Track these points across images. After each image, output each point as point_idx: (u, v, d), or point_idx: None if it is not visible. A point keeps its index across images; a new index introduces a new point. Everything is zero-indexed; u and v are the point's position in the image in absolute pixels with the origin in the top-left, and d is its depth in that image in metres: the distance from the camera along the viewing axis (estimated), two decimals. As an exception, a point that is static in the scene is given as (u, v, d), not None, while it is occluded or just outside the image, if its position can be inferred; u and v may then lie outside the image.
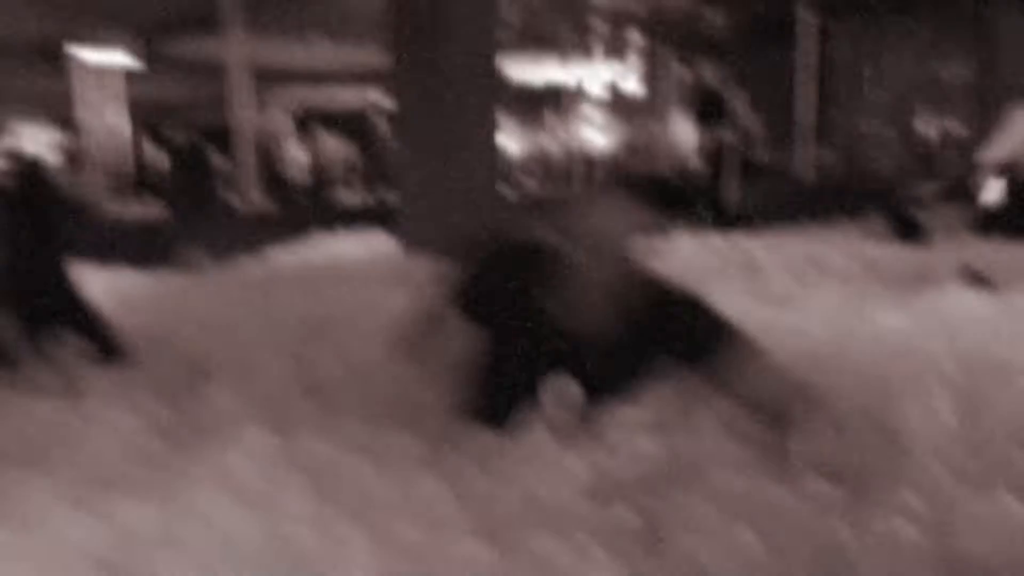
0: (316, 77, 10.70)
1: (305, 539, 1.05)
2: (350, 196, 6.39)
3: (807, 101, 6.59)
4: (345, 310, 2.71)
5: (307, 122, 9.86)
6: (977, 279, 3.75)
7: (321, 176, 7.72)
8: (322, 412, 1.50)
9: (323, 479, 1.18)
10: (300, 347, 2.13)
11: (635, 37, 8.65)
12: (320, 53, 8.99)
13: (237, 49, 4.99)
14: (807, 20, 6.54)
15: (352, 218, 5.45)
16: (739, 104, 5.96)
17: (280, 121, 6.57)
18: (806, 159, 6.70)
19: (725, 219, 5.07)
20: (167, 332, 2.59)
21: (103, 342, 2.07)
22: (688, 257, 3.88)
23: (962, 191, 4.39)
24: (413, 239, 4.66)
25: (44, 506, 1.08)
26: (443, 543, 1.05)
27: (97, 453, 1.21)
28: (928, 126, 8.05)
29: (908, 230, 3.94)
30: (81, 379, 1.71)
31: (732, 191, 5.78)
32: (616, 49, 9.54)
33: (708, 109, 6.07)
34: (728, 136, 5.91)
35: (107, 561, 1.00)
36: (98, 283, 3.76)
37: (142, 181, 9.05)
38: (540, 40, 8.52)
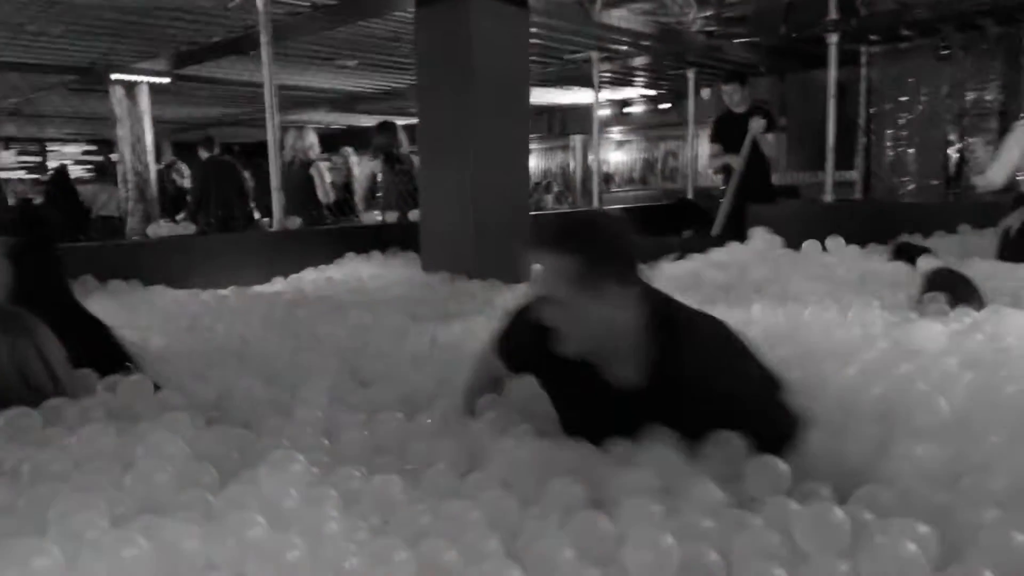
0: (344, 99, 10.88)
1: (350, 564, 1.08)
2: (377, 217, 6.45)
3: (838, 125, 6.58)
4: (380, 333, 2.75)
5: (335, 143, 10.00)
6: (909, 254, 3.76)
7: (348, 197, 7.81)
8: (365, 436, 1.54)
9: (367, 504, 1.21)
10: (337, 369, 2.16)
11: (658, 59, 8.69)
12: (347, 76, 9.14)
13: (268, 71, 5.10)
14: (838, 44, 6.55)
15: (378, 239, 5.51)
16: (759, 127, 5.96)
17: (308, 142, 6.66)
18: (835, 182, 6.69)
19: (737, 237, 5.09)
20: (200, 353, 2.65)
21: (123, 361, 2.13)
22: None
23: (994, 216, 4.33)
24: (437, 260, 4.72)
25: (100, 528, 1.12)
26: (483, 570, 1.08)
27: (146, 477, 1.24)
28: (959, 150, 8.01)
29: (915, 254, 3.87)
30: (123, 402, 1.76)
31: (748, 212, 5.79)
32: (637, 70, 9.60)
33: (730, 131, 6.08)
34: (749, 158, 5.92)
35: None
36: (129, 301, 3.87)
37: (175, 199, 9.21)
38: (563, 63, 8.61)
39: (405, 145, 6.37)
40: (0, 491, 1.27)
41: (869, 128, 8.43)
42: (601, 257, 1.41)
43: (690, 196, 9.10)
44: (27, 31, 6.17)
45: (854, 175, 8.48)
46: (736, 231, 5.43)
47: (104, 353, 2.06)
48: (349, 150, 8.60)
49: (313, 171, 6.60)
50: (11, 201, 12.39)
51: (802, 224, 5.19)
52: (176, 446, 1.33)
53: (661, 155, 13.49)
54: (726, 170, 6.12)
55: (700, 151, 9.54)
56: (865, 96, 8.30)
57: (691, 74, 8.89)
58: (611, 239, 1.46)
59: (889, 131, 8.36)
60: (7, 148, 15.34)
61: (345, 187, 8.28)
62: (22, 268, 2.11)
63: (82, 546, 1.06)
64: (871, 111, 8.39)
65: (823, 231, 4.58)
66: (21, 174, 15.66)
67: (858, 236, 4.67)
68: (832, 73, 6.56)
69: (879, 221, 5.46)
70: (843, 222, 5.11)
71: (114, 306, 3.43)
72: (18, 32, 6.22)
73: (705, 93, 10.16)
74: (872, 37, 7.76)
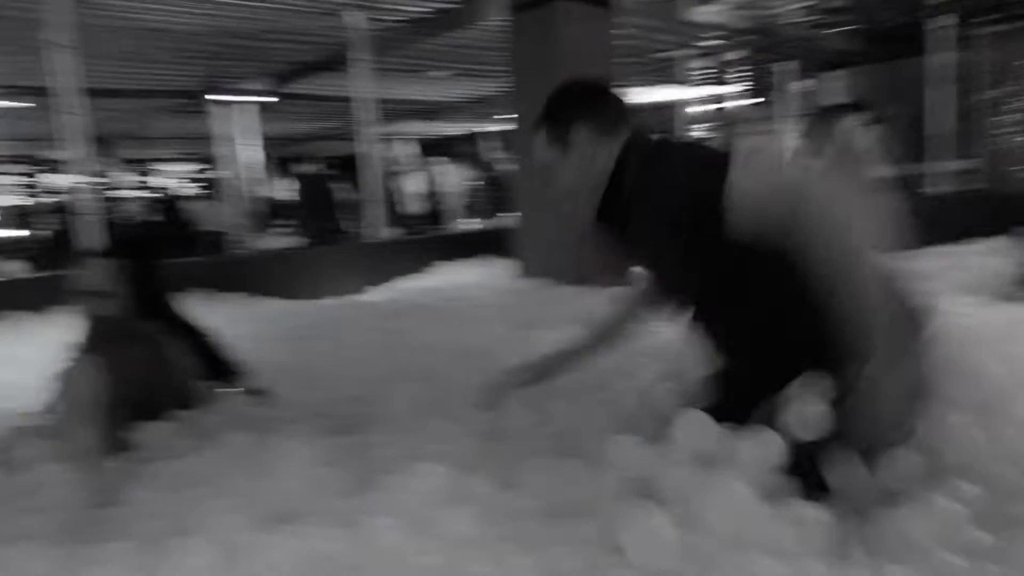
0: (434, 109, 11.10)
1: (477, 568, 1.13)
2: (469, 224, 6.57)
3: (942, 112, 6.27)
4: (482, 340, 2.80)
5: (428, 152, 10.24)
6: None
7: (441, 205, 7.98)
8: (482, 441, 1.59)
9: (493, 509, 1.26)
10: (446, 377, 2.23)
11: (749, 53, 8.51)
12: (438, 86, 9.33)
13: (363, 85, 5.28)
14: (940, 27, 6.24)
15: (469, 247, 5.60)
16: (851, 119, 5.75)
17: (403, 152, 6.86)
18: (942, 172, 6.38)
19: None
20: (310, 361, 2.77)
21: (232, 372, 2.25)
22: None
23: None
24: (534, 267, 4.77)
25: (244, 532, 1.21)
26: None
27: (282, 483, 1.33)
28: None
29: None
30: (251, 412, 1.88)
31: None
32: (728, 66, 9.41)
33: (819, 125, 5.90)
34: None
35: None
36: (236, 312, 4.08)
37: (275, 212, 9.64)
38: (650, 61, 8.53)
39: (494, 153, 6.46)
40: (143, 495, 1.39)
41: (980, 115, 7.99)
42: (565, 116, 1.57)
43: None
44: (141, 59, 6.60)
45: (965, 164, 8.06)
46: None
47: (214, 363, 2.18)
48: (437, 159, 8.76)
49: (397, 182, 6.77)
50: (125, 220, 13.23)
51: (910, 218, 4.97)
52: (306, 454, 1.42)
53: (754, 151, 13.14)
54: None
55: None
56: (974, 81, 7.87)
57: (784, 67, 8.67)
58: (572, 98, 1.61)
59: (1000, 118, 7.90)
60: (121, 168, 16.35)
61: (432, 196, 8.48)
62: (135, 285, 2.22)
63: (230, 548, 1.16)
64: (980, 97, 7.95)
65: (932, 224, 4.38)
66: (136, 193, 16.67)
67: (967, 228, 4.44)
68: (938, 58, 6.26)
69: (993, 211, 5.17)
70: (953, 213, 4.87)
71: (222, 317, 3.61)
72: (136, 61, 6.66)
73: (799, 86, 9.86)
74: (981, 18, 7.36)
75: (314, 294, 4.62)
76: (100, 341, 1.78)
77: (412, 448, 1.51)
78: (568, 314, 3.43)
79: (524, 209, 5.04)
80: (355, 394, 2.12)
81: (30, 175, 16.68)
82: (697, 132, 11.99)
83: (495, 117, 12.02)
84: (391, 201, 6.62)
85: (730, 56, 8.50)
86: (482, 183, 6.61)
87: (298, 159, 8.44)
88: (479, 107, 10.98)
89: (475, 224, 6.37)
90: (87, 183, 4.18)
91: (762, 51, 8.25)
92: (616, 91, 1.62)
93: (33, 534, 1.30)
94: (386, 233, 5.97)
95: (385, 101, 9.47)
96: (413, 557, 1.13)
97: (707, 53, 8.22)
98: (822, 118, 5.91)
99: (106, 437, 1.61)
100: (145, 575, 1.15)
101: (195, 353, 1.94)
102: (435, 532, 1.18)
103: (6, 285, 3.96)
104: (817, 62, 7.34)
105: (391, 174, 6.74)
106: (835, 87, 5.87)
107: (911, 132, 9.00)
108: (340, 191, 8.14)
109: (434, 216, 8.18)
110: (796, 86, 9.49)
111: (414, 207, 7.12)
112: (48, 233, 11.49)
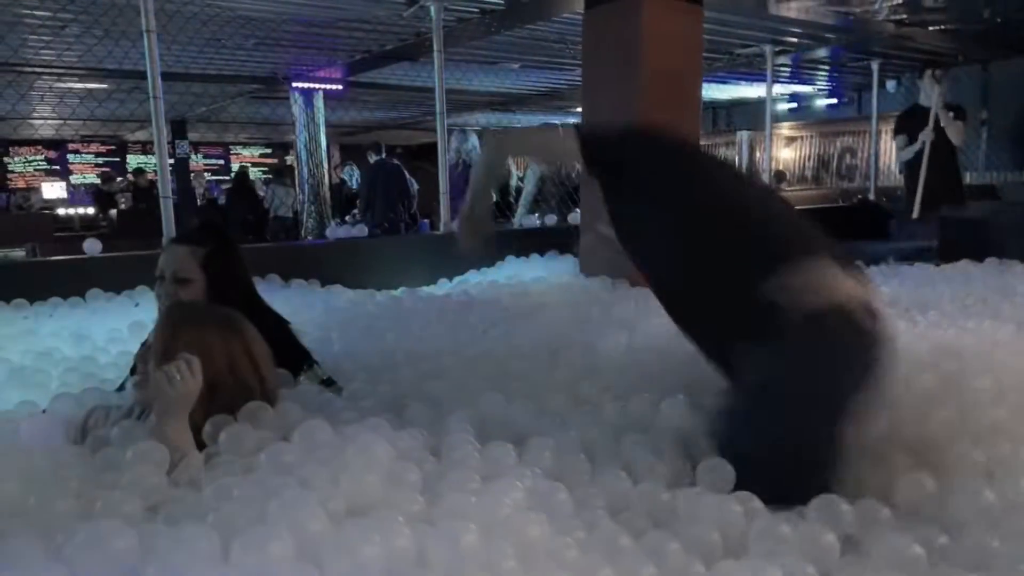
0: (504, 100, 11.14)
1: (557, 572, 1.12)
2: (536, 221, 6.54)
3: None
4: (555, 337, 2.79)
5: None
6: None
7: (505, 199, 7.99)
8: (562, 440, 1.58)
9: (573, 515, 1.25)
10: (521, 375, 2.22)
11: (839, 51, 8.25)
12: (509, 77, 9.36)
13: (439, 76, 5.32)
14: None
15: (539, 242, 5.58)
16: (950, 122, 5.52)
17: (472, 144, 6.88)
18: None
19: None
20: (383, 352, 2.79)
21: (307, 360, 2.27)
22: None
23: None
24: (596, 264, 4.71)
25: (322, 524, 1.22)
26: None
27: (360, 477, 1.34)
28: None
29: None
30: (327, 402, 1.91)
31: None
32: (814, 63, 9.16)
33: (916, 125, 5.70)
34: (934, 148, 5.53)
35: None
36: (309, 299, 4.15)
37: (346, 201, 9.82)
38: (733, 56, 8.37)
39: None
40: (221, 482, 1.41)
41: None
42: None
43: (871, 196, 8.57)
44: (225, 45, 6.80)
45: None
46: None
47: (289, 351, 2.20)
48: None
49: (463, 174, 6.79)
50: (199, 202, 13.70)
51: (998, 230, 4.75)
52: (383, 449, 1.43)
53: (837, 152, 12.78)
54: (910, 168, 5.75)
55: (885, 147, 8.96)
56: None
57: (875, 65, 8.38)
58: None
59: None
60: (196, 152, 16.94)
61: (503, 190, 8.46)
62: (216, 272, 2.26)
63: (308, 539, 1.17)
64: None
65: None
66: (211, 176, 17.24)
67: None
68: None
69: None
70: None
71: (295, 304, 3.68)
72: (216, 47, 6.87)
73: (891, 85, 9.53)
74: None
75: (387, 284, 4.66)
76: (180, 327, 1.81)
77: (490, 448, 1.50)
78: (632, 313, 3.40)
79: (589, 205, 4.98)
80: (428, 388, 2.12)
81: (108, 155, 17.45)
82: (779, 131, 11.68)
83: (567, 110, 12.00)
84: (461, 193, 6.65)
85: (819, 53, 8.26)
86: (555, 179, 6.58)
87: (369, 148, 8.56)
88: (550, 100, 10.97)
89: (544, 219, 6.32)
90: (164, 164, 4.30)
91: (851, 47, 8.01)
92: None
93: (113, 512, 1.34)
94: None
95: (457, 92, 9.58)
96: (492, 560, 1.12)
97: (792, 50, 8.02)
98: (915, 118, 5.73)
99: (191, 428, 1.64)
100: (220, 560, 1.17)
101: (272, 341, 1.95)
102: (514, 537, 1.17)
103: (83, 263, 4.11)
104: (912, 61, 7.06)
105: (465, 165, 6.75)
106: (930, 88, 5.63)
107: (1013, 138, 8.61)
108: (408, 181, 8.22)
109: (500, 210, 8.16)
110: (888, 85, 9.18)
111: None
112: (125, 210, 12.00)
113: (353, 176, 11.44)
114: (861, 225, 7.23)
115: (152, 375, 1.65)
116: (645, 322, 2.96)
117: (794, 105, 12.06)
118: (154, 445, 1.50)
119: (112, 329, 3.19)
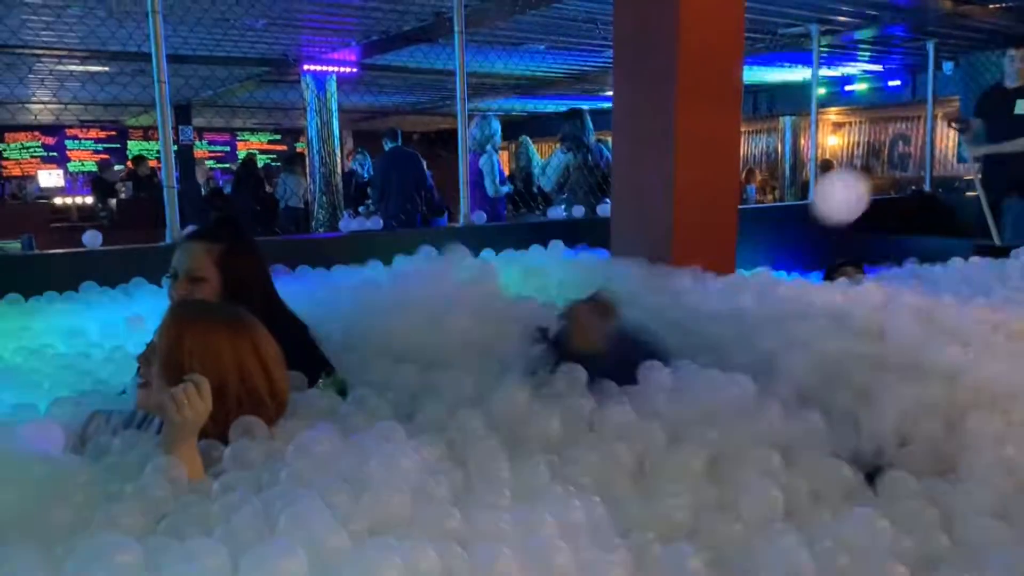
0: (529, 84, 11.12)
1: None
2: (563, 212, 6.51)
3: None
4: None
5: (515, 131, 10.26)
6: None
7: (527, 188, 7.94)
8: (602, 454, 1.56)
9: (611, 534, 1.23)
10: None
11: (893, 31, 8.14)
12: (534, 60, 9.33)
13: (457, 57, 5.30)
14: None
15: (566, 235, 5.54)
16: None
17: (493, 130, 6.85)
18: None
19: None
20: (405, 351, 2.77)
21: (322, 363, 2.27)
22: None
23: None
24: (627, 249, 4.66)
25: (339, 540, 1.22)
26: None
27: (381, 492, 1.33)
28: None
29: None
30: (345, 408, 1.90)
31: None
32: (863, 43, 9.04)
33: (996, 109, 5.57)
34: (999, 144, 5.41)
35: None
36: (320, 294, 4.15)
37: (358, 190, 9.84)
38: (775, 37, 8.29)
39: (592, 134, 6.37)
40: (233, 493, 1.41)
41: None
42: None
43: (927, 188, 8.45)
44: (234, 26, 6.84)
45: None
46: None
47: (307, 358, 2.18)
48: (528, 139, 8.64)
49: (484, 163, 6.76)
50: (203, 191, 13.82)
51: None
52: (406, 461, 1.41)
53: (888, 139, 12.61)
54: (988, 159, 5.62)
55: (941, 134, 8.80)
56: None
57: (931, 45, 8.24)
58: None
59: None
60: (200, 138, 17.06)
61: (525, 179, 8.43)
62: (228, 270, 2.25)
63: (323, 555, 1.16)
64: None
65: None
66: (218, 164, 17.38)
67: None
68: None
69: None
70: None
71: (307, 300, 3.65)
72: (225, 27, 6.91)
73: (947, 67, 9.38)
74: None
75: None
76: (185, 328, 1.80)
77: (522, 460, 1.49)
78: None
79: (620, 196, 4.94)
80: (450, 389, 2.10)
81: (108, 141, 17.63)
82: (826, 116, 11.55)
83: (596, 94, 11.95)
84: (478, 184, 6.63)
85: (869, 33, 8.15)
86: (584, 168, 6.52)
87: (385, 134, 8.56)
88: (578, 83, 10.93)
89: (571, 210, 6.29)
90: (169, 152, 4.32)
91: (905, 28, 7.89)
92: None
93: (118, 523, 1.34)
94: (477, 218, 5.97)
95: (479, 75, 9.57)
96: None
97: (839, 29, 7.92)
98: (998, 98, 5.58)
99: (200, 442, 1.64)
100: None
101: (289, 346, 1.95)
102: (544, 558, 1.15)
103: (79, 256, 4.12)
104: (972, 41, 6.94)
105: (478, 154, 6.73)
106: (995, 68, 5.52)
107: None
108: (422, 170, 8.18)
109: (524, 200, 8.14)
110: (945, 66, 9.03)
111: (493, 191, 7.04)
112: (125, 199, 12.12)
113: (365, 165, 11.45)
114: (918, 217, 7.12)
115: (158, 390, 1.65)
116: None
117: (842, 88, 11.92)
118: (173, 460, 1.51)
119: (105, 324, 3.20)
